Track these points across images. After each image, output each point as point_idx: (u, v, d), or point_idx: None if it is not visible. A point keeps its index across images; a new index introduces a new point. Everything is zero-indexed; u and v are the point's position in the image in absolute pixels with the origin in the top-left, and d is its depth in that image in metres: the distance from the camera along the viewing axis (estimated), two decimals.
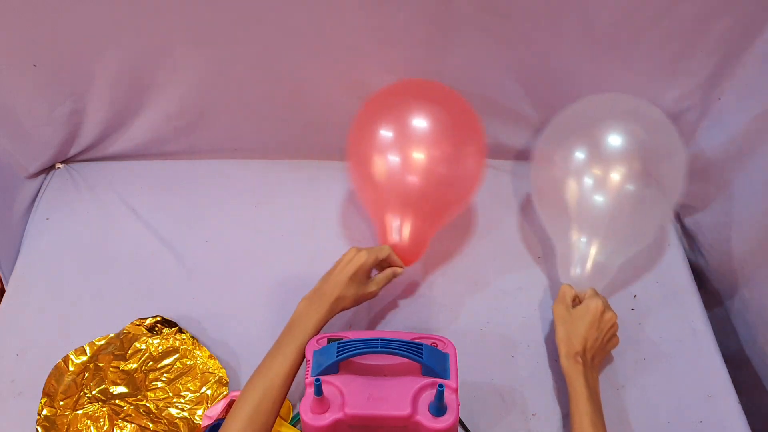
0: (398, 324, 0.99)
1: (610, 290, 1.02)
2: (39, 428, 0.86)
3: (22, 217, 1.11)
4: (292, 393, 0.90)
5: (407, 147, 0.94)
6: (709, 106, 1.01)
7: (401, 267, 0.93)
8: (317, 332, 0.82)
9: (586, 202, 0.95)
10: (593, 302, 0.88)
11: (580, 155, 0.96)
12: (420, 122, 0.94)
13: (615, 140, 0.94)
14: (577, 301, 0.92)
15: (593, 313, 0.87)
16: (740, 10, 0.89)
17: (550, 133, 1.03)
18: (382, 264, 0.92)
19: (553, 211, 1.00)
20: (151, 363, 0.92)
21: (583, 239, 0.95)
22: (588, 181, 0.95)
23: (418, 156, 0.94)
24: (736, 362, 1.00)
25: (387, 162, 0.94)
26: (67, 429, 0.85)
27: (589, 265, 0.95)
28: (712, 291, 1.09)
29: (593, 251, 0.95)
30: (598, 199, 0.94)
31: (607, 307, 0.89)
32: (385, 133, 0.95)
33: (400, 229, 0.95)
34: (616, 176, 0.93)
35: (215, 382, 0.90)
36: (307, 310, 0.82)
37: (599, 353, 0.88)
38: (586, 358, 0.85)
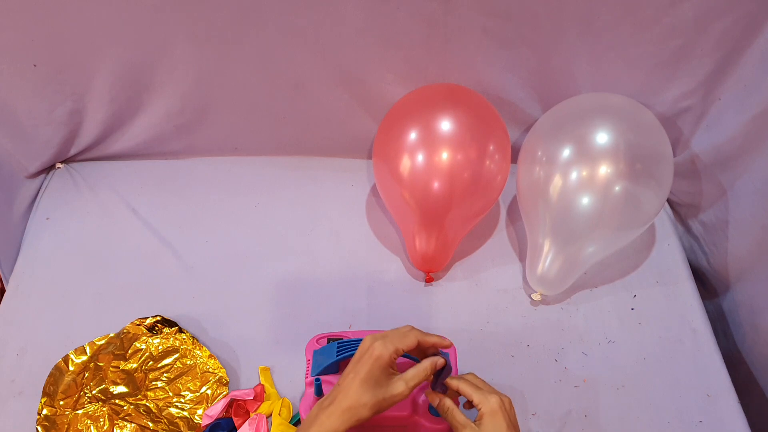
0: (398, 324, 0.98)
1: (610, 290, 1.02)
2: (39, 428, 0.86)
3: (22, 217, 1.11)
4: (293, 393, 0.91)
5: (435, 151, 0.94)
6: (709, 106, 1.01)
7: (448, 345, 0.76)
8: None
9: (561, 202, 0.95)
10: (492, 402, 0.70)
11: (559, 154, 0.96)
12: (447, 125, 0.95)
13: (601, 138, 0.94)
14: (468, 405, 0.78)
15: (502, 415, 0.70)
16: (740, 10, 0.89)
17: (534, 132, 1.04)
18: (421, 349, 0.75)
19: (531, 208, 1.00)
20: (151, 363, 0.92)
21: (554, 239, 0.96)
22: (564, 179, 0.95)
23: (448, 160, 0.94)
24: (736, 362, 1.00)
25: (415, 166, 0.95)
26: (67, 429, 0.85)
27: (558, 263, 0.95)
28: (712, 291, 1.09)
29: (564, 250, 0.95)
30: (576, 198, 0.94)
31: (500, 394, 0.73)
32: (414, 136, 0.95)
33: (427, 239, 0.96)
34: (593, 175, 0.94)
35: (215, 381, 0.90)
36: (318, 416, 0.66)
37: None
38: None
